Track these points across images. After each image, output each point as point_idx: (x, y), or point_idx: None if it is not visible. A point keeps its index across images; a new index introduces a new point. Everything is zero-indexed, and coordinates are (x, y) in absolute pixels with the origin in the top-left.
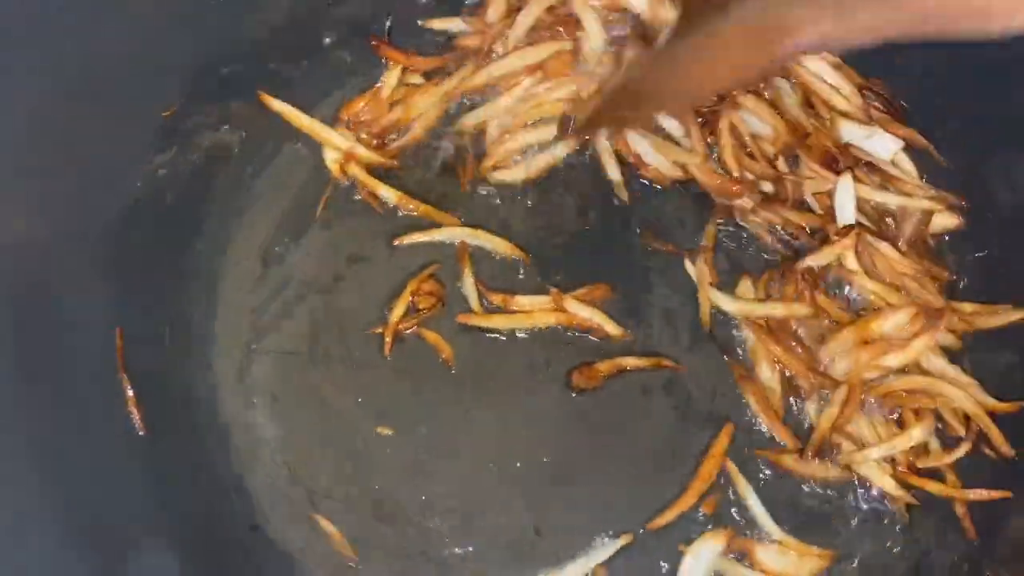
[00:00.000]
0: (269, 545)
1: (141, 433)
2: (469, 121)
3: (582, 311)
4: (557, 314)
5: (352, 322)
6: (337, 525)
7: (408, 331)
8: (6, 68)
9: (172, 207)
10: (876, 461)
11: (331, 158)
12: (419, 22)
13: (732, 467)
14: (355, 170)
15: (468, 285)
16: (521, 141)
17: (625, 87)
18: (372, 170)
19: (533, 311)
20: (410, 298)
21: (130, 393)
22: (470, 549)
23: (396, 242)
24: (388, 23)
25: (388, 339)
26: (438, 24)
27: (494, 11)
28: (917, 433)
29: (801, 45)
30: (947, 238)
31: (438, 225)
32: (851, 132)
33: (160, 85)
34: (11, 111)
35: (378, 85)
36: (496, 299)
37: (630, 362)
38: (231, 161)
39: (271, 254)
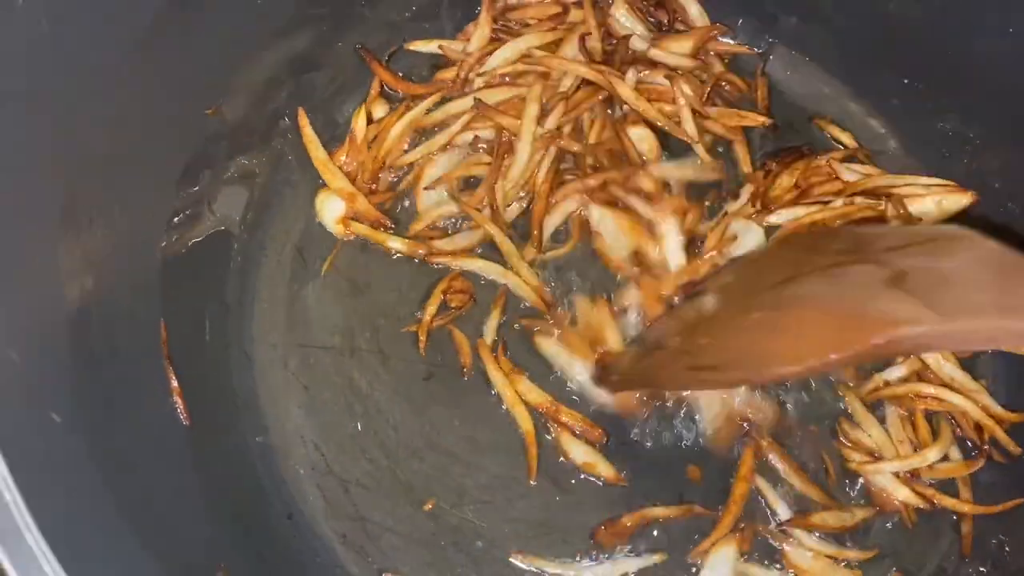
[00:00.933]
0: (306, 534)
1: (185, 423)
2: (407, 158)
3: (576, 452)
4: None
5: (386, 317)
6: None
7: (442, 326)
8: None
9: (212, 212)
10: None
11: (331, 219)
12: (404, 45)
13: (763, 484)
14: (359, 228)
15: (491, 322)
16: (448, 209)
17: (667, 351)
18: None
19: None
20: (442, 296)
21: (174, 383)
22: (502, 541)
23: (433, 260)
24: (392, 49)
25: (422, 337)
26: (419, 46)
27: (476, 40)
28: (932, 454)
29: (896, 342)
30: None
31: None
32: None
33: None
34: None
35: (350, 132)
36: (504, 365)
37: (658, 512)
38: (263, 176)
39: (307, 248)
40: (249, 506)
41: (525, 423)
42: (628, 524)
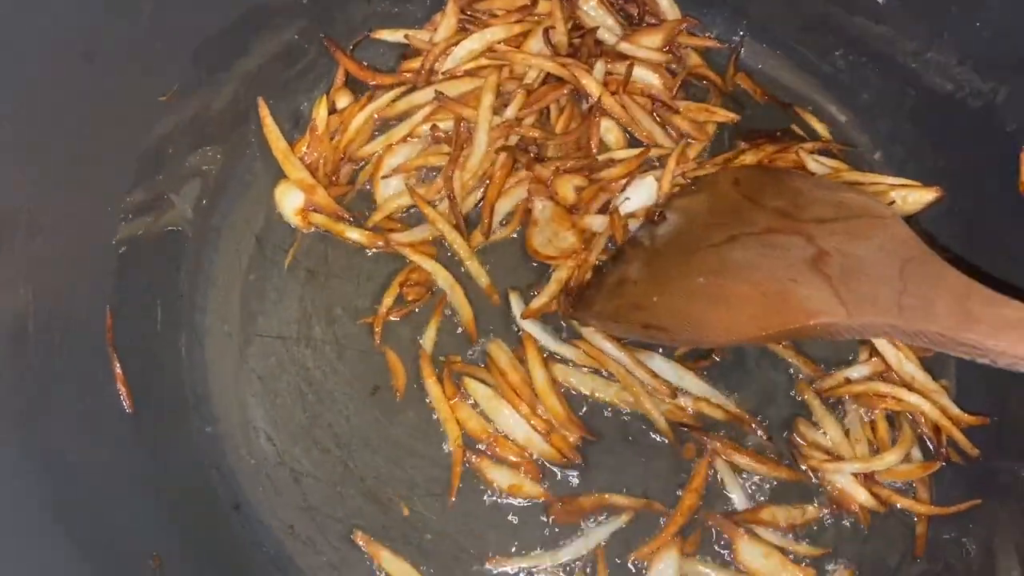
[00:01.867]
0: (253, 524)
1: (128, 411)
2: (368, 149)
3: (499, 476)
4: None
5: (343, 308)
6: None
7: (399, 318)
8: None
9: (169, 202)
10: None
11: (290, 210)
12: (368, 33)
13: (724, 469)
14: (318, 219)
15: (429, 331)
16: (407, 200)
17: (626, 298)
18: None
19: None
20: (399, 289)
21: (118, 370)
22: (452, 534)
23: (380, 242)
24: (358, 38)
25: (377, 329)
26: (385, 35)
27: (443, 30)
28: (893, 457)
29: (809, 328)
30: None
31: None
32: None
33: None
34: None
35: (311, 123)
36: (448, 389)
37: (617, 500)
38: (224, 166)
39: (266, 238)
40: (194, 496)
41: (454, 441)
42: (585, 505)
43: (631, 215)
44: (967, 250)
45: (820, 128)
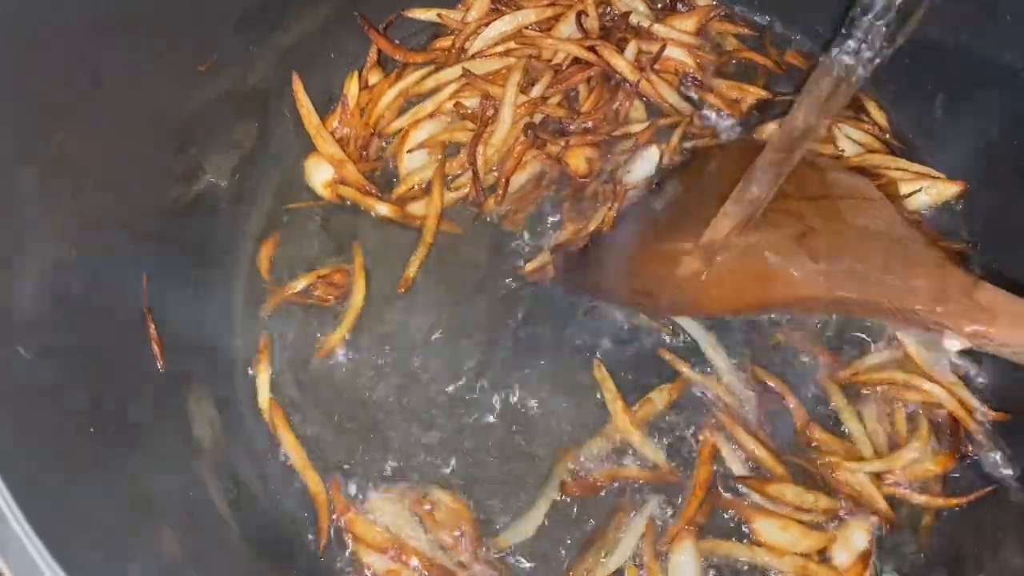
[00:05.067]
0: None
1: (161, 370)
2: (396, 125)
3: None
4: None
5: (378, 285)
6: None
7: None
8: None
9: (204, 172)
10: (867, 475)
11: (319, 182)
12: (402, 12)
13: (720, 441)
14: (347, 191)
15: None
16: (428, 174)
17: (617, 264)
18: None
19: None
20: (314, 279)
21: (152, 330)
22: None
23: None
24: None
25: (270, 304)
26: (418, 14)
27: (476, 10)
28: (910, 454)
29: (791, 301)
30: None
31: None
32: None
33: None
34: None
35: (342, 98)
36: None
37: (628, 472)
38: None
39: (298, 210)
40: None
41: (314, 487)
42: (595, 480)
43: (633, 186)
44: (989, 247)
45: (873, 109)
